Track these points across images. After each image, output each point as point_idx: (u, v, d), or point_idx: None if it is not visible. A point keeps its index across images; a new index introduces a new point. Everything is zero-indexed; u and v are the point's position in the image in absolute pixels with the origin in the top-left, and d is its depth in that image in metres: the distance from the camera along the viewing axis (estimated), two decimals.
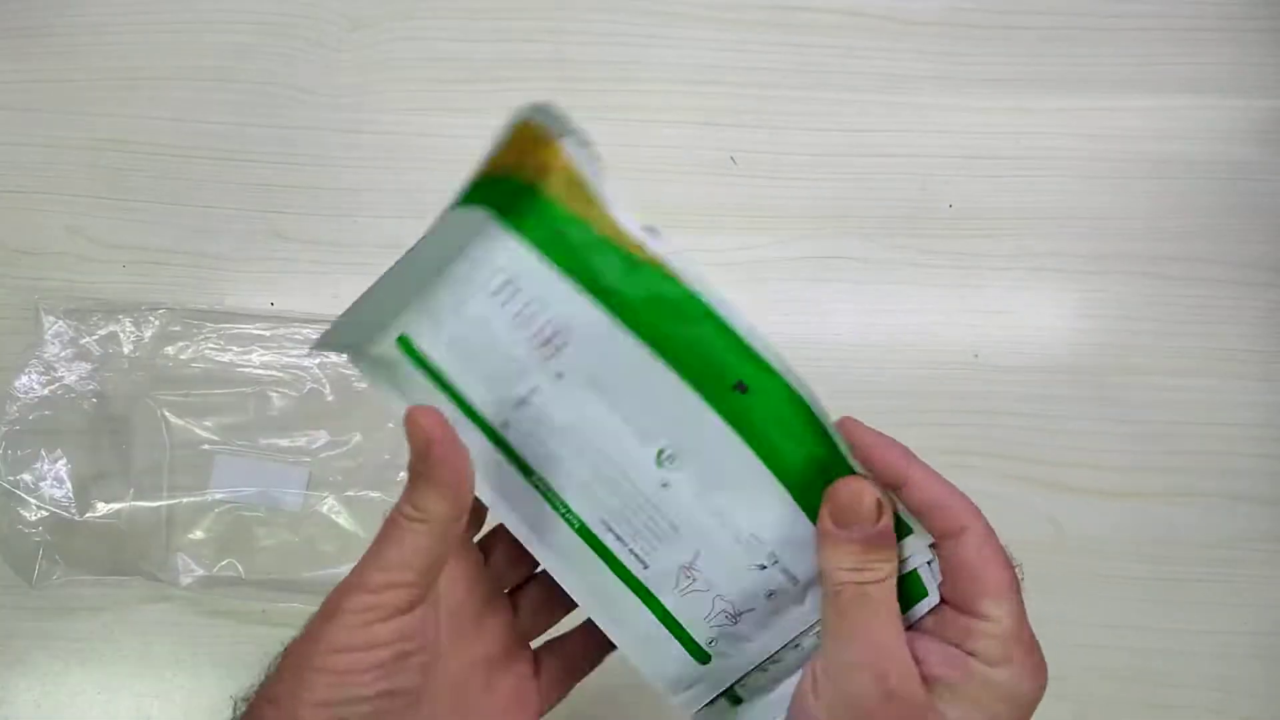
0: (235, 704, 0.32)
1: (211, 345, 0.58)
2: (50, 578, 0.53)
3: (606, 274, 0.31)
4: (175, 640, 0.54)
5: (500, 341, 0.32)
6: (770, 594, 0.33)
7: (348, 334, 0.33)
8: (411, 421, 0.29)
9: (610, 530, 0.33)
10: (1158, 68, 0.66)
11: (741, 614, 0.34)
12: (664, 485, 0.32)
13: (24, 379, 0.56)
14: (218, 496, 0.55)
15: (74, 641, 0.54)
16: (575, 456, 0.32)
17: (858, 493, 0.30)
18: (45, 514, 0.53)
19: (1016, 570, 0.31)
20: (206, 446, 0.56)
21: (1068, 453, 0.59)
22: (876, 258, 0.63)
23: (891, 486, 0.30)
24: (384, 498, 0.56)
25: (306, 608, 0.53)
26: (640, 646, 0.35)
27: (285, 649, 0.31)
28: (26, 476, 0.54)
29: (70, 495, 0.54)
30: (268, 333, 0.58)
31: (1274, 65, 0.66)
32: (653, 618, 0.34)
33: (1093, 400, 0.60)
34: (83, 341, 0.57)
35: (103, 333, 0.57)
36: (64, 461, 0.54)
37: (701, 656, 0.35)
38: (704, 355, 0.31)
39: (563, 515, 0.33)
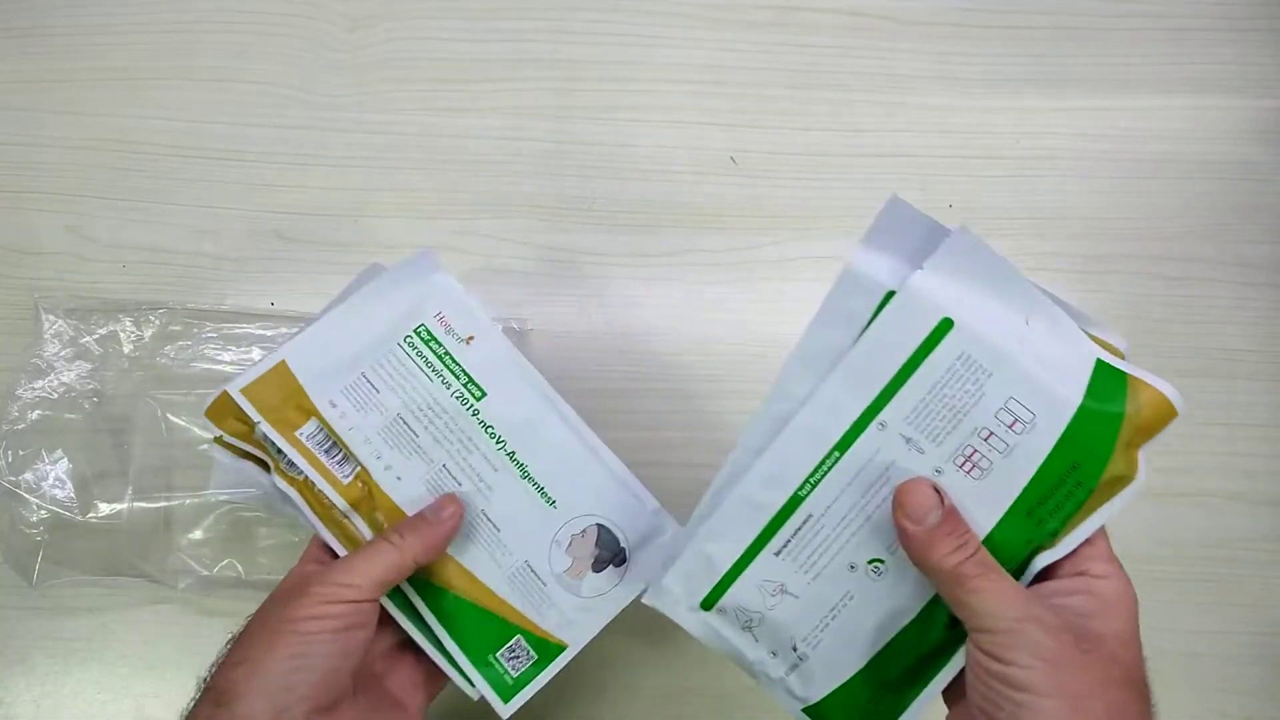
0: (199, 682, 0.39)
1: (212, 345, 0.58)
2: (50, 578, 0.53)
3: None
4: (175, 640, 0.54)
5: (974, 415, 0.36)
6: (776, 653, 0.41)
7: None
8: (447, 501, 0.43)
9: (802, 523, 0.38)
10: (1158, 68, 0.66)
11: (755, 629, 0.40)
12: (850, 568, 0.38)
13: (24, 379, 0.56)
14: (218, 497, 0.55)
15: (74, 641, 0.54)
16: (860, 490, 0.37)
17: (917, 487, 0.36)
18: (46, 514, 0.53)
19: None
20: (206, 447, 0.56)
21: None
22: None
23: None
24: None
25: None
26: (696, 550, 0.39)
27: (246, 627, 0.40)
28: (28, 476, 0.54)
29: (71, 495, 0.54)
30: (268, 333, 0.58)
31: (1274, 65, 0.66)
32: (730, 561, 0.39)
33: None
34: (82, 341, 0.57)
35: (103, 332, 0.57)
36: (64, 461, 0.54)
37: (706, 605, 0.40)
38: None
39: (806, 481, 0.38)
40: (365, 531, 0.44)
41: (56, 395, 0.56)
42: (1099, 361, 0.36)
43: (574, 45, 0.65)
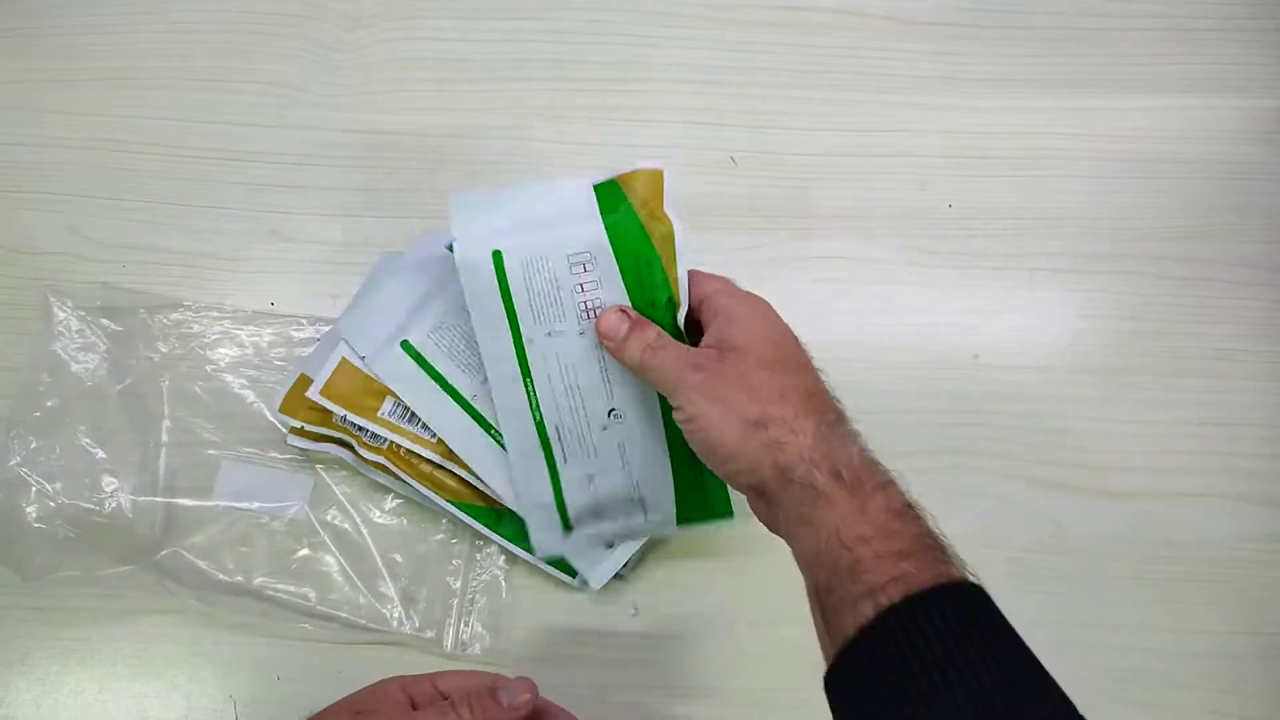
0: None
1: (212, 345, 0.58)
2: (51, 573, 0.53)
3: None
4: (175, 640, 0.54)
5: (562, 285, 0.46)
6: (628, 512, 0.51)
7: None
8: (522, 686, 0.42)
9: (557, 432, 0.49)
10: (1158, 68, 0.66)
11: (604, 513, 0.51)
12: (604, 428, 0.49)
13: (30, 375, 0.56)
14: (221, 499, 0.55)
15: (74, 641, 0.54)
16: (561, 382, 0.48)
17: (606, 317, 0.46)
18: (48, 511, 0.53)
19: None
20: (213, 452, 0.56)
21: (1068, 453, 0.59)
22: (876, 258, 0.63)
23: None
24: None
25: (307, 614, 0.53)
26: (534, 509, 0.51)
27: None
28: (30, 473, 0.54)
29: (73, 493, 0.54)
30: (269, 333, 0.58)
31: (1274, 65, 0.66)
32: (551, 495, 0.50)
33: (1093, 400, 0.60)
34: (88, 338, 0.57)
35: (104, 332, 0.57)
36: (68, 460, 0.54)
37: (566, 529, 0.51)
38: None
39: (532, 409, 0.49)
40: (459, 472, 0.52)
41: (60, 393, 0.55)
42: (594, 186, 0.48)
43: (573, 45, 0.65)
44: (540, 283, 0.46)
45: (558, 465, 0.50)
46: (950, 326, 0.61)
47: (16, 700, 0.53)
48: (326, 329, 0.58)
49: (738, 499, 0.48)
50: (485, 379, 0.49)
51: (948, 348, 0.61)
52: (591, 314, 0.46)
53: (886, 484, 0.38)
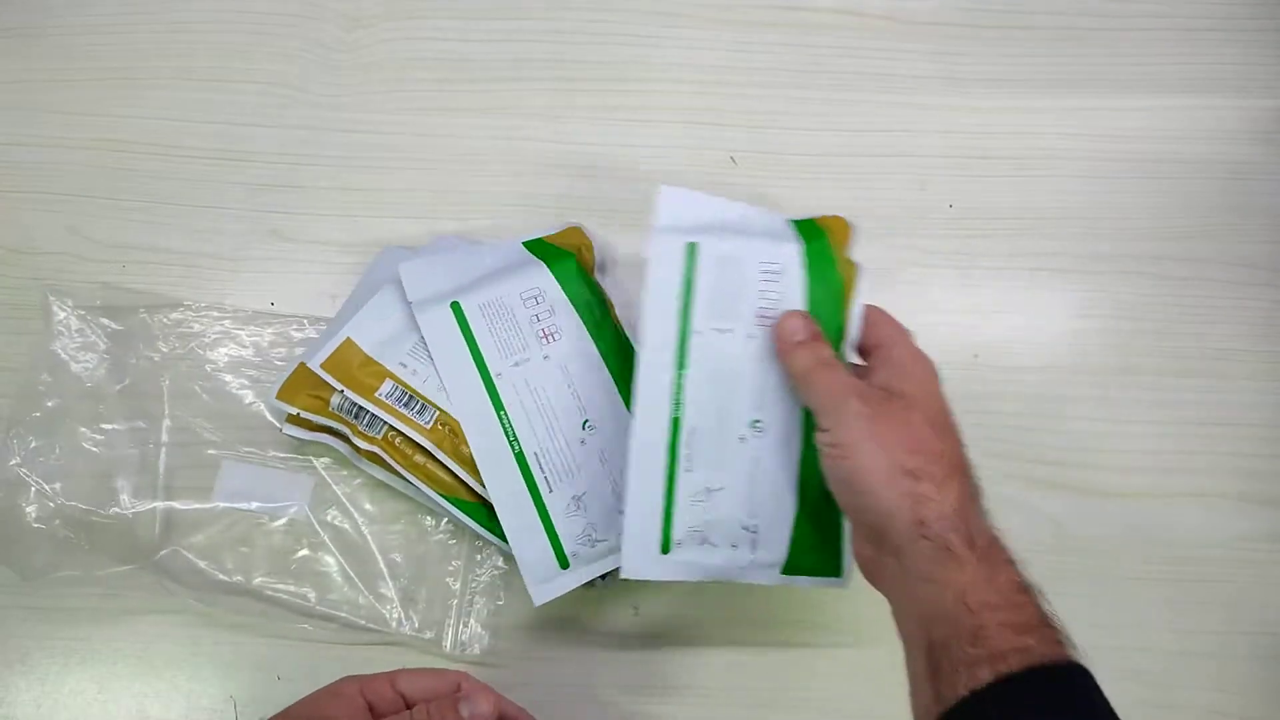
0: None
1: (212, 345, 0.58)
2: (51, 573, 0.53)
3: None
4: (175, 640, 0.54)
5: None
6: (736, 544, 0.48)
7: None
8: (484, 696, 0.43)
9: (690, 436, 0.47)
10: (1158, 68, 0.66)
11: (711, 538, 0.48)
12: (741, 439, 0.47)
13: (30, 375, 0.56)
14: (221, 500, 0.55)
15: (74, 641, 0.54)
16: (713, 380, 0.47)
17: (789, 318, 0.46)
18: (48, 511, 0.53)
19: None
20: (212, 451, 0.56)
21: (1068, 453, 0.59)
22: (876, 258, 0.62)
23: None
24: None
25: (307, 614, 0.53)
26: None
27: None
28: (30, 473, 0.54)
29: (73, 493, 0.54)
30: (269, 333, 0.58)
31: (1274, 66, 0.66)
32: (661, 502, 0.47)
33: (1093, 400, 0.60)
34: (88, 338, 0.57)
35: (105, 332, 0.57)
36: (68, 460, 0.54)
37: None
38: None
39: (674, 404, 0.47)
40: (450, 464, 0.52)
41: (61, 393, 0.56)
42: (791, 221, 0.49)
43: (573, 45, 0.65)
44: (727, 281, 0.47)
45: (678, 471, 0.47)
46: (950, 326, 0.61)
47: (16, 700, 0.53)
48: (326, 329, 0.58)
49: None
50: (517, 363, 0.52)
51: (948, 348, 0.60)
52: (765, 321, 0.47)
53: (1012, 561, 0.40)
